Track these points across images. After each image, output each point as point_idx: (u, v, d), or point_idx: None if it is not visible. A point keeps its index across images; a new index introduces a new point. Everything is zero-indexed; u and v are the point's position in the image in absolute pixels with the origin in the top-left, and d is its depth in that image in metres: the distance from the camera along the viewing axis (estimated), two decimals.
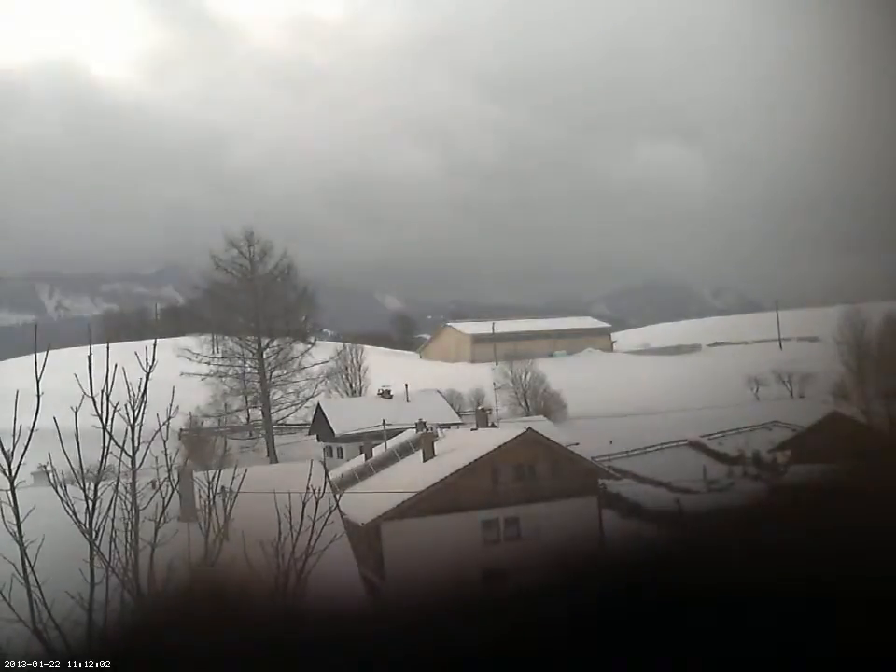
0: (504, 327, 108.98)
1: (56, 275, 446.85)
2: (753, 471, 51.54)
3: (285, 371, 65.74)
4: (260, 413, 65.27)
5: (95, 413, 8.65)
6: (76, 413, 8.38)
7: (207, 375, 63.78)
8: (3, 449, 8.14)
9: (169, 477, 9.82)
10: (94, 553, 8.57)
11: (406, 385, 61.31)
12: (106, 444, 8.87)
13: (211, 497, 9.95)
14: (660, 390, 75.53)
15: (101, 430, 8.76)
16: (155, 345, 9.47)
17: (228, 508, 10.34)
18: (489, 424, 47.13)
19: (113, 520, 8.74)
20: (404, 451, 41.85)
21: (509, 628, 1.66)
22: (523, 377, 72.26)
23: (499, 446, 35.29)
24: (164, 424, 9.69)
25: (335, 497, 12.21)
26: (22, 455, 8.08)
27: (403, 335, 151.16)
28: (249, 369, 65.48)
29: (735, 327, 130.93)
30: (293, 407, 64.60)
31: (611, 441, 56.46)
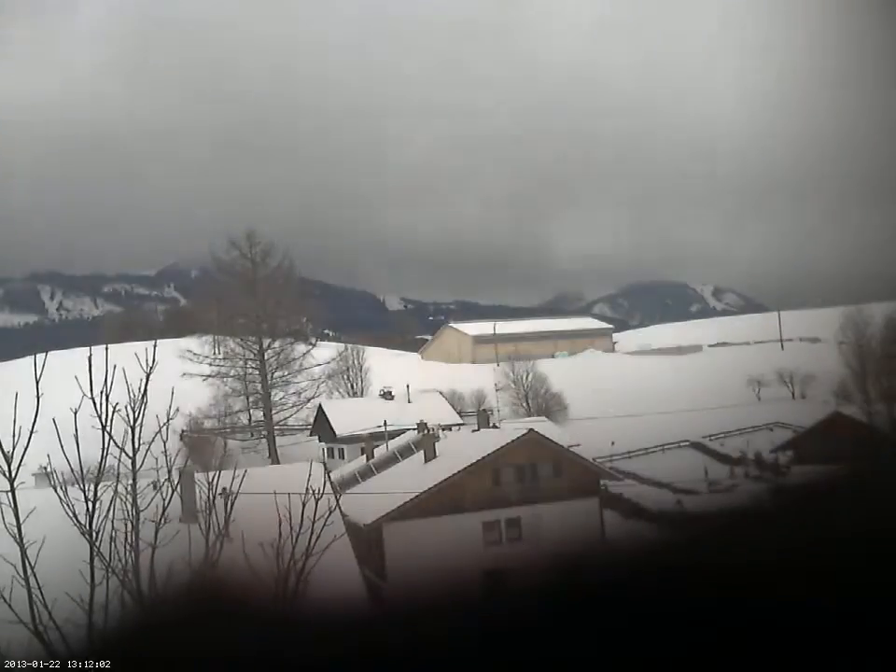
0: (505, 328, 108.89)
1: (57, 276, 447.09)
2: (755, 472, 51.54)
3: (286, 372, 65.72)
4: (262, 413, 65.26)
5: (95, 414, 8.65)
6: (75, 414, 8.37)
7: (209, 376, 63.80)
8: (3, 450, 8.14)
9: (170, 478, 9.81)
10: (95, 554, 8.56)
11: (407, 386, 61.30)
12: (106, 445, 8.86)
13: (212, 498, 9.95)
14: (661, 391, 75.46)
15: (101, 431, 8.75)
16: (155, 346, 9.46)
17: (228, 509, 10.34)
18: (490, 424, 47.11)
19: (113, 521, 8.73)
20: (405, 452, 41.84)
21: (510, 630, 1.65)
22: (524, 378, 72.20)
23: (501, 447, 35.26)
24: (164, 425, 9.69)
25: (336, 497, 12.20)
26: (22, 456, 8.07)
27: (404, 336, 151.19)
28: (251, 370, 65.47)
29: (736, 327, 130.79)
30: (294, 408, 64.55)
31: (613, 442, 56.39)
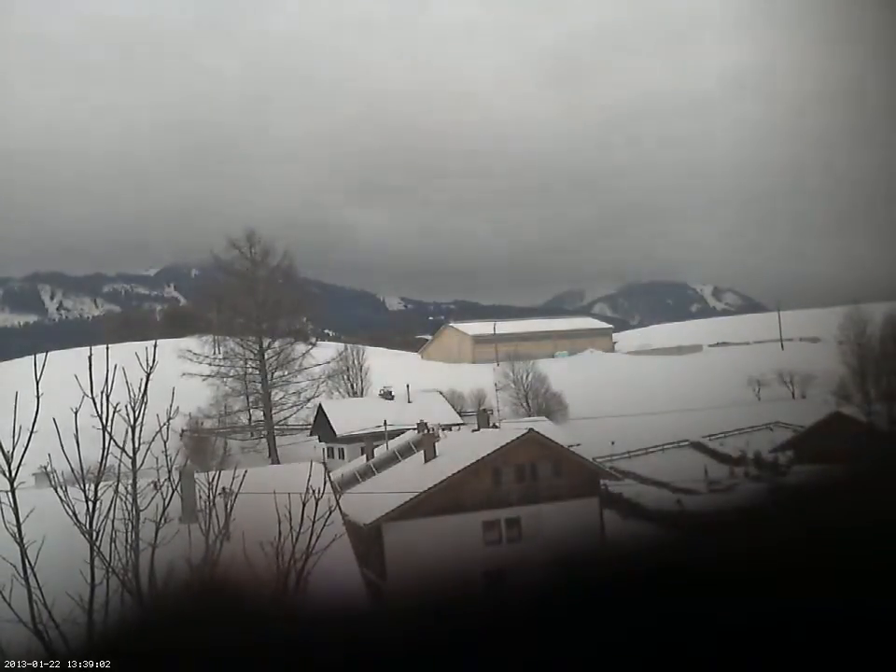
0: (505, 327, 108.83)
1: (57, 276, 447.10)
2: (755, 472, 51.55)
3: (286, 372, 65.71)
4: (262, 413, 65.25)
5: (95, 414, 8.65)
6: (76, 413, 8.37)
7: (209, 376, 63.79)
8: (3, 450, 8.14)
9: (170, 478, 9.81)
10: (95, 553, 8.56)
11: (407, 386, 61.30)
12: (106, 445, 8.86)
13: (212, 497, 9.94)
14: (661, 391, 75.48)
15: (101, 431, 8.75)
16: (156, 346, 9.47)
17: (228, 508, 10.33)
18: (490, 424, 47.10)
19: (113, 521, 8.73)
20: (405, 451, 41.85)
21: (510, 629, 1.65)
22: (524, 378, 72.19)
23: (501, 447, 35.25)
24: (165, 424, 9.69)
25: (336, 497, 12.20)
26: (22, 455, 8.07)
27: (404, 336, 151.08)
28: (251, 370, 65.47)
29: (736, 327, 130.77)
30: (294, 408, 64.56)
31: (613, 442, 56.42)
